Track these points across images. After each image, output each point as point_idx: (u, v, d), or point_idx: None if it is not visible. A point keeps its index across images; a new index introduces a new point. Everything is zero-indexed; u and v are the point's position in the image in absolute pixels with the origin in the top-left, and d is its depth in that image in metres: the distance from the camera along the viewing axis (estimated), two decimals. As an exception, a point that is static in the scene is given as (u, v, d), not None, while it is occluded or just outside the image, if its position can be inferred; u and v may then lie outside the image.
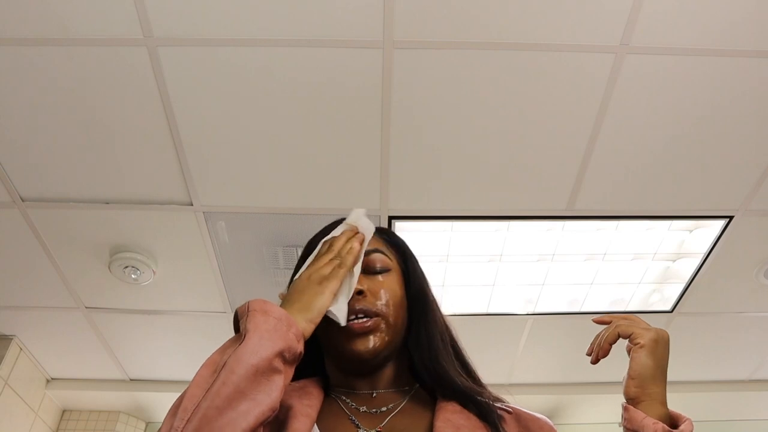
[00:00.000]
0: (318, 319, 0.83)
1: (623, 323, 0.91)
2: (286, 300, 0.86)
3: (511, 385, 3.29)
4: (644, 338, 0.88)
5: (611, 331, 0.91)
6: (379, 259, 0.96)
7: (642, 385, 0.86)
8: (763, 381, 3.37)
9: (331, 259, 0.89)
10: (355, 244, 0.91)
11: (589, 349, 0.94)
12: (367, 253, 0.95)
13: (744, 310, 2.83)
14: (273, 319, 0.76)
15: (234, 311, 0.81)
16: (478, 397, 0.87)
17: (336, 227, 1.00)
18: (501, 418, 0.85)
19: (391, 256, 0.99)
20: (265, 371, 0.72)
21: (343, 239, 0.92)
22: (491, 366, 3.12)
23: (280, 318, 0.77)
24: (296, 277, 0.90)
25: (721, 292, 2.71)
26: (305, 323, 0.81)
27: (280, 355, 0.74)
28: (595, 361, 0.92)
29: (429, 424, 0.82)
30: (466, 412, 0.84)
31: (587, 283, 2.67)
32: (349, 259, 0.89)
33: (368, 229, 0.95)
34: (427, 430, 0.82)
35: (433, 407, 0.86)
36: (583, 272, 2.61)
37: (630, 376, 0.87)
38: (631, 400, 0.86)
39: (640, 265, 2.59)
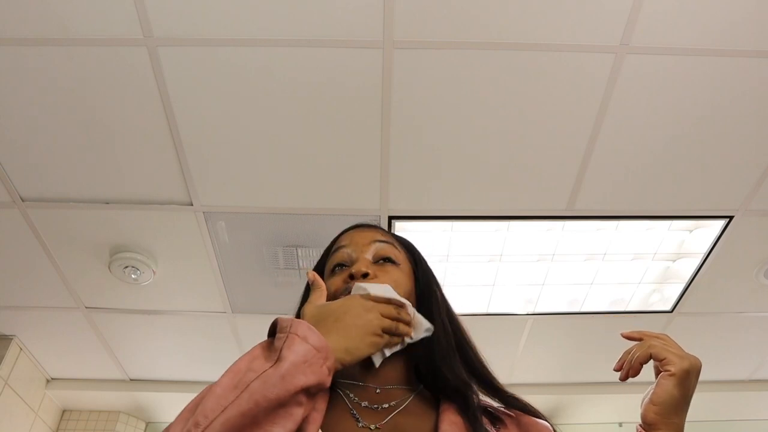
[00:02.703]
0: (352, 365, 0.80)
1: (657, 344, 0.86)
2: (337, 323, 0.80)
3: (511, 385, 3.28)
4: (677, 367, 0.82)
5: (643, 351, 0.86)
6: (389, 250, 0.98)
7: (663, 413, 0.82)
8: (763, 381, 3.37)
9: (396, 320, 0.84)
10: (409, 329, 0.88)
11: (617, 365, 0.90)
12: (378, 242, 0.97)
13: (744, 310, 2.83)
14: (312, 350, 0.72)
15: (275, 319, 0.77)
16: (472, 401, 0.86)
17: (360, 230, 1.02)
18: (501, 422, 0.85)
19: (401, 252, 1.00)
20: (286, 404, 0.69)
21: (409, 314, 0.88)
22: (491, 366, 3.11)
23: (319, 349, 0.73)
24: (362, 299, 0.84)
25: (721, 292, 2.71)
26: (339, 364, 0.77)
27: (307, 390, 0.71)
28: (624, 378, 0.90)
29: (433, 426, 0.82)
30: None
31: (587, 283, 2.67)
32: (402, 331, 0.85)
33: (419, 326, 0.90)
34: (430, 430, 0.81)
35: (437, 409, 0.85)
36: (583, 272, 2.61)
37: (652, 401, 0.83)
38: (648, 426, 0.83)
39: (640, 265, 2.59)
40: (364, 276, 0.90)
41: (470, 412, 0.83)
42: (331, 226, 2.34)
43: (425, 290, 0.98)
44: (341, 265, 0.96)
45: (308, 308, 0.85)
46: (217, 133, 2.03)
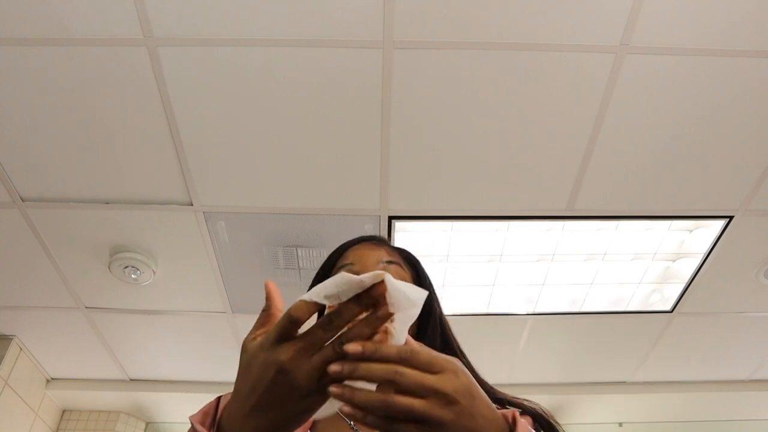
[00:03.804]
0: None
1: (406, 376, 0.57)
2: (256, 400, 0.59)
3: (511, 385, 3.29)
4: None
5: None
6: (396, 272, 0.97)
7: None
8: (763, 381, 3.37)
9: (332, 345, 0.57)
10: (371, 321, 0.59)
11: None
12: (387, 263, 0.96)
13: (744, 310, 2.83)
14: None
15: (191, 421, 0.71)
16: None
17: (353, 248, 0.99)
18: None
19: (407, 271, 1.00)
20: None
21: (354, 308, 0.58)
22: (491, 366, 3.12)
23: None
24: (279, 354, 0.58)
25: (721, 292, 2.71)
26: None
27: None
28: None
29: None
30: None
31: (587, 283, 2.67)
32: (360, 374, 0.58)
33: (409, 303, 0.59)
34: None
35: None
36: (583, 272, 2.61)
37: None
38: None
39: (640, 265, 2.59)
40: None
41: None
42: (331, 226, 2.34)
43: (426, 309, 0.96)
44: None
45: (245, 352, 0.62)
46: (217, 133, 2.03)
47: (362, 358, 0.56)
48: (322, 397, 0.58)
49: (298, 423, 0.60)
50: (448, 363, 0.59)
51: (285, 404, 0.58)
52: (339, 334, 0.57)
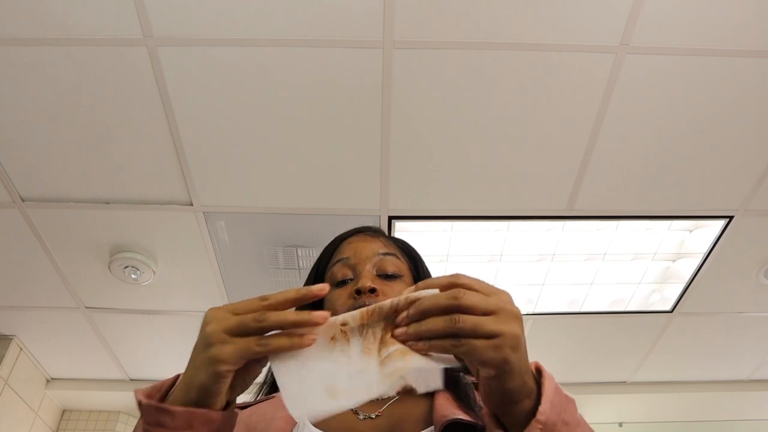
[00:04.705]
0: (205, 400, 0.63)
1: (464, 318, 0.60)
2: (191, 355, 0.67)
3: (511, 385, 3.29)
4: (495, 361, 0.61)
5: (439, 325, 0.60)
6: (393, 263, 0.96)
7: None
8: (763, 381, 3.37)
9: (254, 315, 0.63)
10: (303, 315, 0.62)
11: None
12: (383, 255, 0.95)
13: (744, 310, 2.83)
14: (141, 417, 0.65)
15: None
16: (462, 380, 0.85)
17: (353, 235, 1.00)
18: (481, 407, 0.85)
19: (404, 262, 0.99)
20: None
21: (288, 303, 0.64)
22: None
23: (142, 407, 0.66)
24: (215, 310, 0.68)
25: (721, 292, 2.72)
26: (188, 402, 0.64)
27: None
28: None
29: (428, 408, 0.82)
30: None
31: (587, 283, 2.67)
32: (274, 320, 0.62)
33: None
34: (426, 412, 0.81)
35: (431, 396, 0.85)
36: (583, 272, 2.61)
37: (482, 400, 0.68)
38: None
39: (640, 265, 2.59)
40: (372, 291, 0.88)
41: (461, 390, 0.83)
42: (331, 226, 2.35)
43: None
44: (345, 281, 0.94)
45: None
46: (217, 133, 2.03)
47: (418, 314, 0.61)
48: (215, 352, 0.62)
49: (195, 378, 0.63)
50: (503, 295, 0.64)
51: (197, 355, 0.64)
52: (270, 334, 0.62)
